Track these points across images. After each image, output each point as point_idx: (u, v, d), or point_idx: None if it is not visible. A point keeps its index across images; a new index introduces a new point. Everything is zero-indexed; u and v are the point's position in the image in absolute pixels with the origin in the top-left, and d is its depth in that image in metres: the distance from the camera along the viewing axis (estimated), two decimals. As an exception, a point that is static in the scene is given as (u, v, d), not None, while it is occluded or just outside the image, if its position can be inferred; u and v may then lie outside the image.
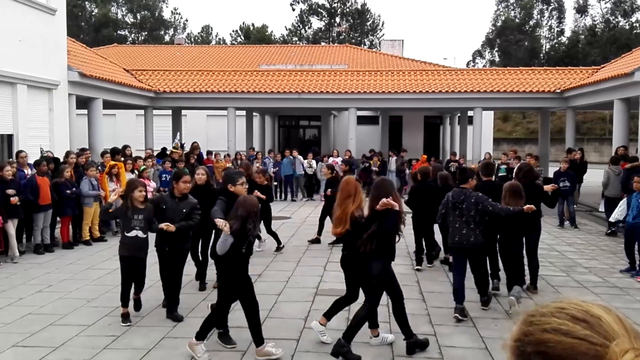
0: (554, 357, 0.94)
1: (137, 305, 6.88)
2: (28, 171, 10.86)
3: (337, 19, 64.48)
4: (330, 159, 20.13)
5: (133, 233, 6.49)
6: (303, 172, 19.77)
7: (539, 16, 62.60)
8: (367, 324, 5.76)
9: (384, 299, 6.14)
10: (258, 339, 5.55)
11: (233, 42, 64.38)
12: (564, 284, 8.41)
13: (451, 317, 6.63)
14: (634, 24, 55.66)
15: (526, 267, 7.82)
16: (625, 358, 0.89)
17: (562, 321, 0.97)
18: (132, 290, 6.72)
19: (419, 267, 9.21)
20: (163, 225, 6.43)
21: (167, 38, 64.37)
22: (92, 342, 5.89)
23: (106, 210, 6.78)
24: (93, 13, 62.98)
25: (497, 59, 63.33)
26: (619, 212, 10.78)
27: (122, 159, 13.52)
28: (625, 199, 10.82)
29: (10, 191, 9.52)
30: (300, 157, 19.70)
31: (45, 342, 5.90)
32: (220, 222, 5.35)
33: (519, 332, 1.01)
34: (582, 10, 59.85)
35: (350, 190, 5.73)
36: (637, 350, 0.90)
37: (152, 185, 13.11)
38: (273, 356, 5.50)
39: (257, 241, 10.72)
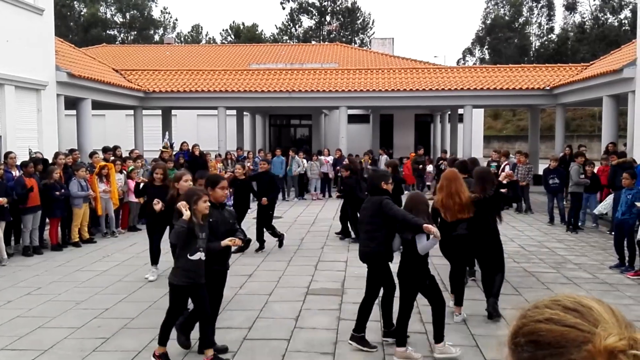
0: (544, 345, 0.97)
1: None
2: (16, 172, 10.76)
3: (328, 18, 64.44)
4: (322, 158, 20.12)
5: (197, 256, 5.20)
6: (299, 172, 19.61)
7: (528, 14, 62.90)
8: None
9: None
10: (439, 336, 5.55)
11: (223, 41, 64.19)
12: (554, 281, 8.44)
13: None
14: (623, 21, 56.02)
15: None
16: (609, 341, 0.91)
17: (554, 311, 1.00)
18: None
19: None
20: (228, 242, 5.33)
21: (156, 37, 64.06)
22: (82, 345, 5.84)
23: (183, 232, 5.06)
24: (82, 13, 62.58)
25: (487, 56, 63.57)
26: (604, 206, 10.93)
27: (112, 158, 13.44)
28: (612, 195, 10.97)
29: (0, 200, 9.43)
30: (297, 157, 19.58)
31: (34, 345, 5.84)
32: (432, 228, 5.18)
33: (514, 326, 1.04)
34: (571, 7, 60.21)
35: (461, 179, 6.54)
36: (621, 335, 0.92)
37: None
38: (452, 354, 5.48)
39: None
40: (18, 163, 11.04)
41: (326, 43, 50.58)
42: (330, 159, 20.26)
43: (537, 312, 1.02)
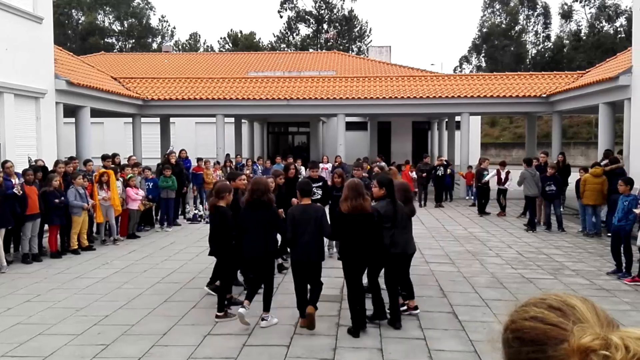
0: (528, 342, 1.02)
1: None
2: (15, 180, 10.77)
3: (325, 26, 64.71)
4: (320, 165, 20.13)
5: None
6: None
7: (524, 22, 63.24)
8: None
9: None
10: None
11: (221, 49, 64.36)
12: (552, 287, 8.48)
13: (440, 321, 6.65)
14: (619, 29, 56.35)
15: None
16: (583, 340, 0.95)
17: (539, 309, 1.05)
18: None
19: None
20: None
21: (155, 46, 64.24)
22: (81, 352, 5.86)
23: None
24: (80, 21, 62.76)
25: (483, 64, 63.85)
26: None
27: (112, 166, 13.43)
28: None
29: None
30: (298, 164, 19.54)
31: (34, 352, 5.86)
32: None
33: (505, 323, 1.09)
34: (567, 15, 60.55)
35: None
36: (596, 334, 0.95)
37: (140, 193, 13.06)
38: None
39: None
40: (18, 171, 11.05)
41: (324, 51, 50.71)
42: (329, 166, 20.31)
43: (525, 309, 1.07)
